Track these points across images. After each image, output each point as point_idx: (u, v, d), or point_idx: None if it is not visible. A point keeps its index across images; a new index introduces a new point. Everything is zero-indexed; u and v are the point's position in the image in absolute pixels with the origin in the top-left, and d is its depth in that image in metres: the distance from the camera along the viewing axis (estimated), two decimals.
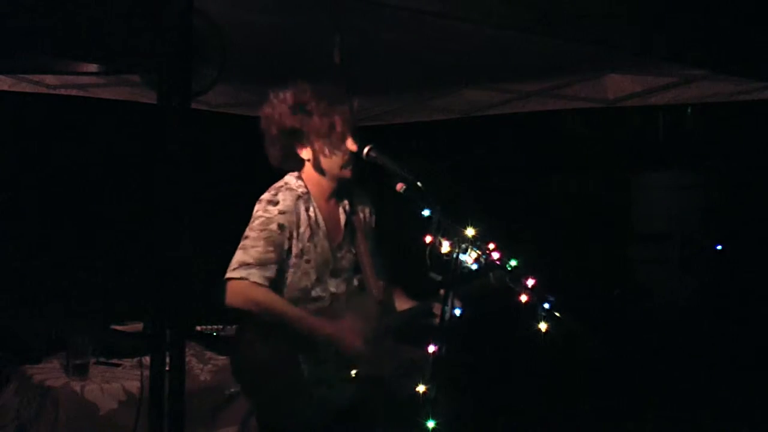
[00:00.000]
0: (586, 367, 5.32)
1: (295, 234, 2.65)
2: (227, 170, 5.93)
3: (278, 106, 2.66)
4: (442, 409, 2.22)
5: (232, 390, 3.35)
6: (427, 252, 2.79)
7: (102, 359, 3.48)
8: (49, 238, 5.19)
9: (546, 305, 2.32)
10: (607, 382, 5.20)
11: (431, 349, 2.29)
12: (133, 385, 3.21)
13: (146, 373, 1.95)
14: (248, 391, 2.80)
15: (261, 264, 2.55)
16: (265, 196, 2.67)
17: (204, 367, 3.49)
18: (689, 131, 7.23)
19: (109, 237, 5.31)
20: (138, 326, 3.85)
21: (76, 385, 3.16)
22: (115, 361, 3.50)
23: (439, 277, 2.80)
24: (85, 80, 4.64)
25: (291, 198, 2.66)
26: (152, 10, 1.77)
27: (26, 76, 4.31)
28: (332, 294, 2.72)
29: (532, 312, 2.33)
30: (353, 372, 2.62)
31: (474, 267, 2.37)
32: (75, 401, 3.11)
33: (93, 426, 3.11)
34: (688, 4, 3.38)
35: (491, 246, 2.35)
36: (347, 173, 2.69)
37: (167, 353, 1.80)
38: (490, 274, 2.54)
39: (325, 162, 2.69)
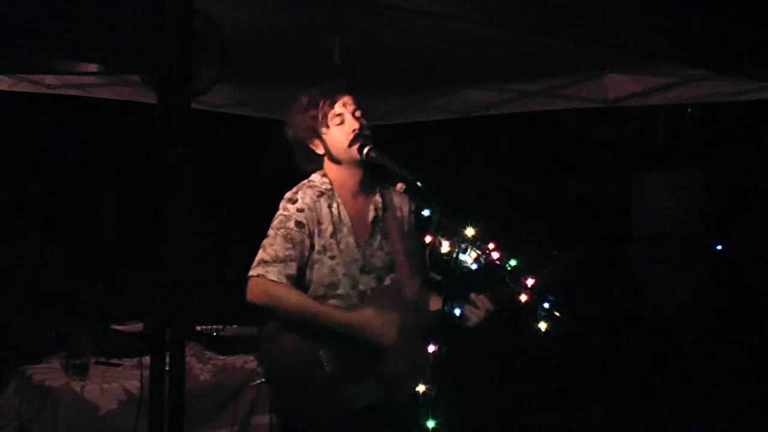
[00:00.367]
0: (586, 367, 5.32)
1: (316, 231, 2.67)
2: (227, 170, 5.93)
3: (294, 111, 2.76)
4: (442, 409, 2.23)
5: (259, 381, 3.42)
6: (427, 252, 2.80)
7: (102, 359, 3.48)
8: (49, 237, 5.19)
9: (546, 305, 2.33)
10: (606, 382, 5.19)
11: (431, 349, 2.30)
12: (133, 385, 3.22)
13: (146, 373, 1.95)
14: (271, 387, 2.87)
15: (279, 261, 2.60)
16: (287, 194, 2.73)
17: (204, 367, 3.50)
18: (689, 131, 7.22)
19: (109, 237, 5.31)
20: (138, 326, 3.85)
21: (76, 385, 3.16)
22: (115, 361, 3.51)
23: (439, 277, 2.81)
24: (85, 80, 4.64)
25: (311, 195, 2.70)
26: (152, 10, 1.77)
27: (26, 76, 4.31)
28: (361, 291, 2.72)
29: (532, 312, 2.34)
30: (380, 369, 2.61)
31: (474, 267, 2.37)
32: (75, 401, 3.11)
33: (93, 426, 3.12)
34: (689, 4, 3.38)
35: (491, 246, 2.35)
36: (355, 153, 2.68)
37: (167, 353, 1.80)
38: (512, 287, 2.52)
39: (333, 147, 2.72)
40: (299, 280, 2.67)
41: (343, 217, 2.73)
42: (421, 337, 2.67)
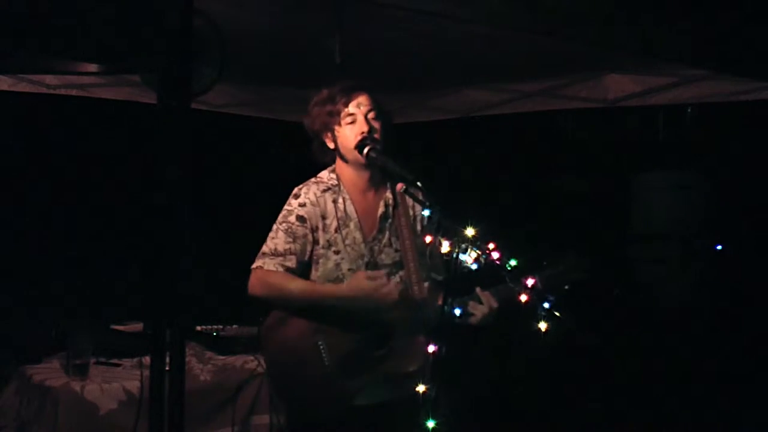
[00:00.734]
0: (586, 367, 5.32)
1: (320, 225, 2.70)
2: (227, 170, 5.93)
3: (313, 103, 2.78)
4: (442, 409, 2.22)
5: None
6: (427, 252, 2.80)
7: (102, 359, 3.48)
8: (49, 237, 5.19)
9: (546, 305, 2.33)
10: (606, 382, 5.19)
11: (431, 349, 2.30)
12: (133, 385, 3.21)
13: (146, 373, 1.95)
14: (270, 380, 2.90)
15: (278, 254, 2.65)
16: (294, 190, 2.77)
17: (204, 367, 3.49)
18: (689, 131, 7.21)
19: (109, 237, 5.31)
20: (138, 326, 3.85)
21: (76, 385, 3.16)
22: (115, 361, 3.50)
23: (440, 277, 2.81)
24: (85, 80, 4.64)
25: (314, 190, 2.73)
26: (152, 10, 1.77)
27: (26, 76, 4.31)
28: None
29: (532, 312, 2.34)
30: (385, 368, 2.62)
31: (474, 267, 2.37)
32: (75, 401, 3.11)
33: (93, 426, 3.11)
34: (689, 4, 3.38)
35: (491, 246, 2.35)
36: (359, 157, 2.67)
37: (167, 353, 1.80)
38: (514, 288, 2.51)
39: (342, 145, 2.73)
40: (304, 276, 2.69)
41: (349, 212, 2.73)
42: (426, 334, 2.69)
